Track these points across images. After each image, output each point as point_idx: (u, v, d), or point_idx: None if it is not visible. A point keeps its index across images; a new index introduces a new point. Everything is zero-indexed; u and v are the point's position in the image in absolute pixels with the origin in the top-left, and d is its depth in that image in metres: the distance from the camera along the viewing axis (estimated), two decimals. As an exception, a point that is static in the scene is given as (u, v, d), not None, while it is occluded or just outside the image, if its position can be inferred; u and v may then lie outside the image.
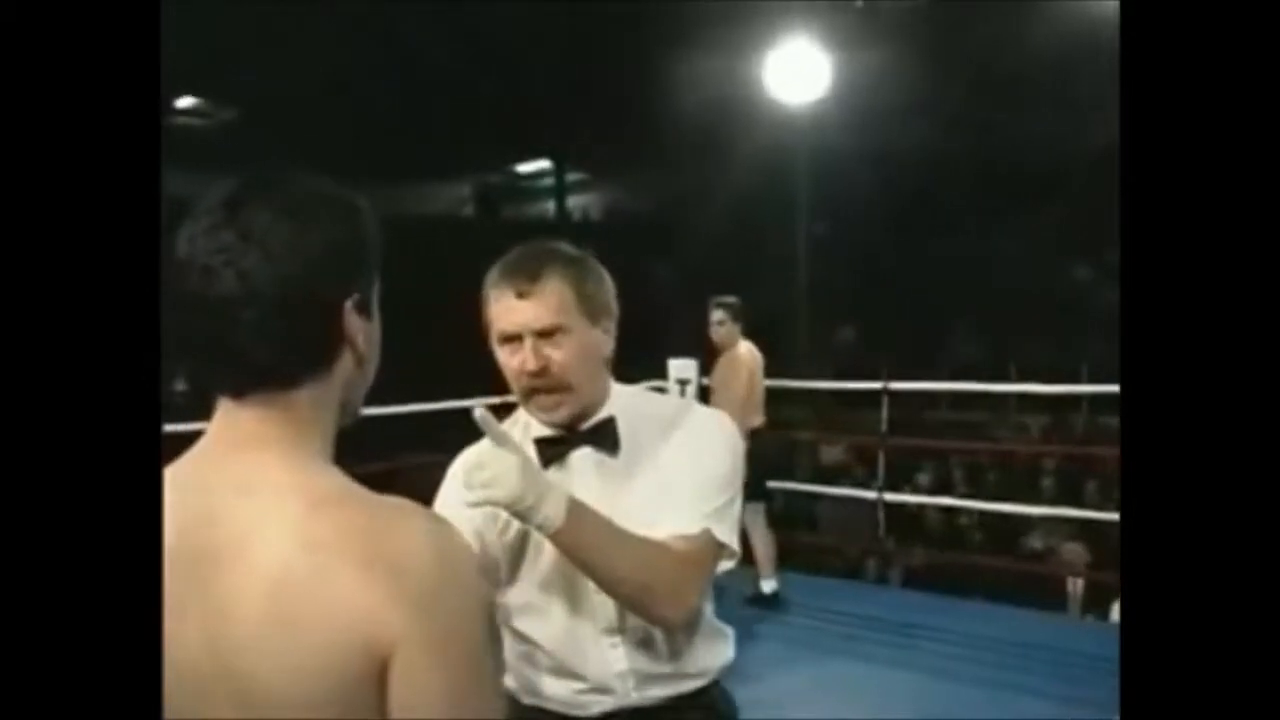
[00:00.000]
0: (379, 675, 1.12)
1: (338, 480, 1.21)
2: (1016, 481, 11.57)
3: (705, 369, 7.51)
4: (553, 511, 1.85)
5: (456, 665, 1.14)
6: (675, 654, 2.11)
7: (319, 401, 1.24)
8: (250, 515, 1.16)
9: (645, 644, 2.08)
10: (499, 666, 1.23)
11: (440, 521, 1.21)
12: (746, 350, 6.98)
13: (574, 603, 2.06)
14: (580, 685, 2.09)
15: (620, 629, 2.07)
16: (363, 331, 1.25)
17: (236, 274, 1.17)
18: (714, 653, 2.18)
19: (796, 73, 12.25)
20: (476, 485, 1.85)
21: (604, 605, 2.04)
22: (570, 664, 2.08)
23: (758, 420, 6.92)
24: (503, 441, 1.88)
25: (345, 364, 1.25)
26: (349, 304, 1.23)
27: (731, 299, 6.97)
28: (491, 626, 1.25)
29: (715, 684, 2.19)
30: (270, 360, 1.20)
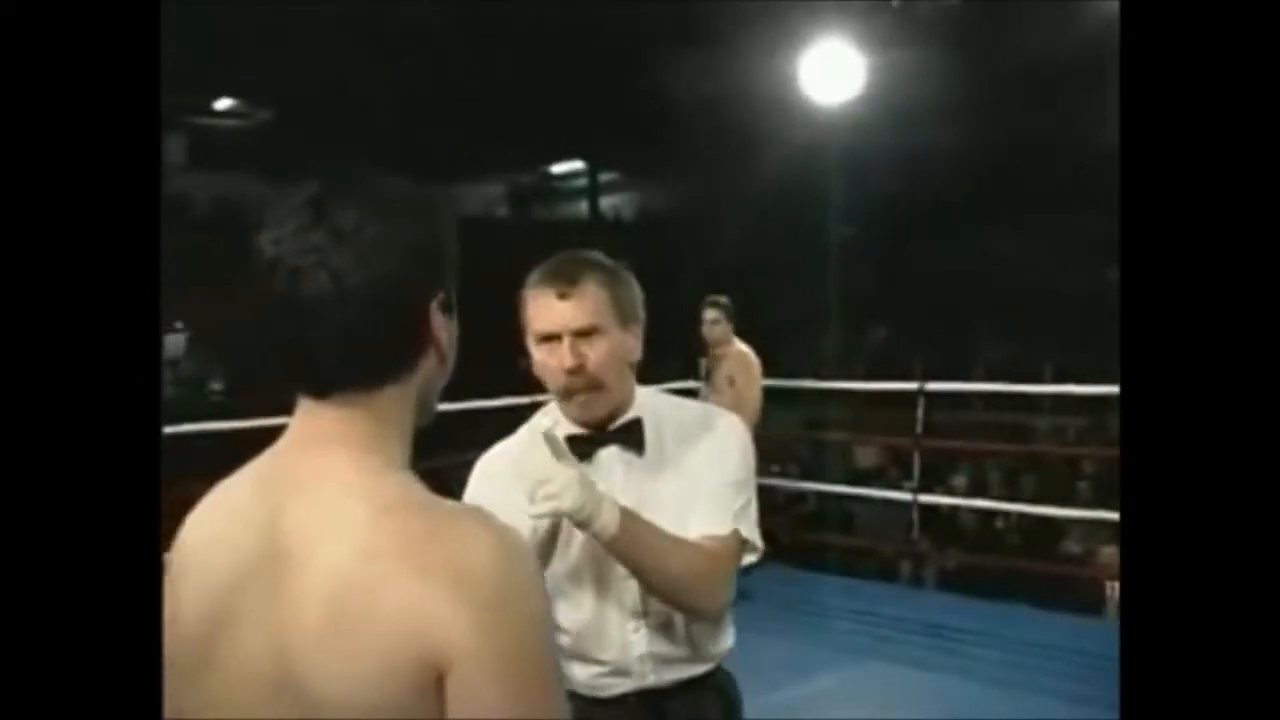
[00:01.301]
0: (437, 685, 1.10)
1: (406, 485, 1.20)
2: (1053, 484, 11.48)
3: (695, 369, 7.53)
4: (609, 519, 2.01)
5: (518, 677, 1.11)
6: (691, 638, 2.23)
7: (400, 401, 1.23)
8: (318, 518, 1.16)
9: (665, 628, 2.20)
10: (562, 677, 1.21)
11: (506, 530, 1.18)
12: (747, 349, 7.01)
13: (601, 590, 2.19)
14: (600, 669, 2.21)
15: (643, 613, 2.19)
16: (445, 330, 1.25)
17: (329, 274, 1.16)
18: (724, 637, 2.30)
19: (831, 73, 12.20)
20: (541, 498, 1.99)
21: (629, 591, 2.18)
22: (594, 649, 2.21)
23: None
24: (563, 455, 2.01)
25: (429, 363, 1.24)
26: (435, 303, 1.22)
27: (724, 298, 7.03)
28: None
29: (719, 667, 2.31)
30: (359, 360, 1.19)
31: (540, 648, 1.15)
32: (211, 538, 1.21)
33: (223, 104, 20.73)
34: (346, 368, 1.19)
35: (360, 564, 1.12)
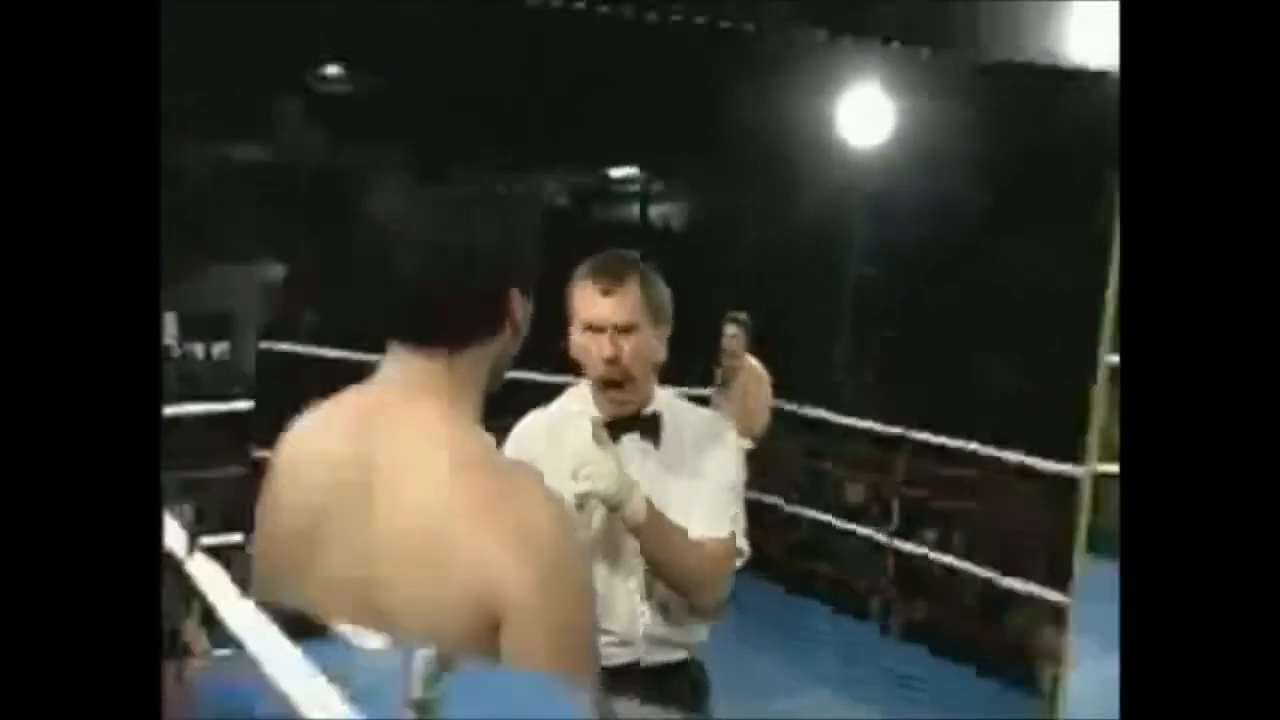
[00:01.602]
0: (490, 632, 1.21)
1: (482, 441, 1.34)
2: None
3: (710, 379, 7.54)
4: (638, 506, 2.18)
5: (565, 633, 1.24)
6: (681, 623, 2.36)
7: (478, 364, 1.35)
8: (405, 459, 1.27)
9: (663, 608, 2.34)
10: (598, 639, 1.39)
11: (564, 500, 1.33)
12: (759, 365, 7.05)
13: (614, 564, 2.32)
14: (609, 639, 2.27)
15: (648, 594, 2.33)
16: (523, 309, 1.37)
17: (436, 241, 1.29)
18: (703, 629, 2.41)
19: (864, 117, 12.24)
20: (582, 478, 2.15)
21: (636, 570, 2.32)
22: (603, 619, 2.24)
23: None
24: (604, 442, 2.20)
25: (505, 335, 1.37)
26: (521, 283, 1.35)
27: (743, 314, 7.10)
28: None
29: (694, 658, 2.42)
30: (454, 318, 1.32)
31: (587, 609, 1.30)
32: (309, 457, 1.34)
33: (331, 70, 21.02)
34: (444, 324, 1.31)
35: (438, 509, 1.24)
